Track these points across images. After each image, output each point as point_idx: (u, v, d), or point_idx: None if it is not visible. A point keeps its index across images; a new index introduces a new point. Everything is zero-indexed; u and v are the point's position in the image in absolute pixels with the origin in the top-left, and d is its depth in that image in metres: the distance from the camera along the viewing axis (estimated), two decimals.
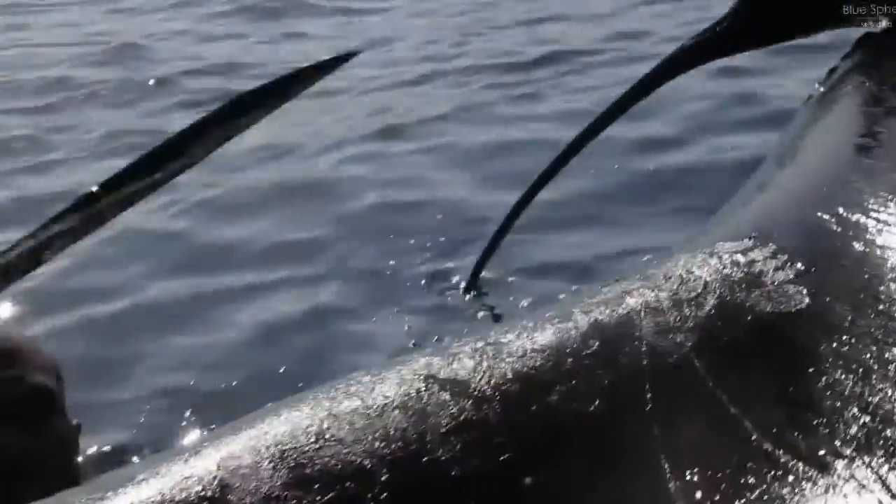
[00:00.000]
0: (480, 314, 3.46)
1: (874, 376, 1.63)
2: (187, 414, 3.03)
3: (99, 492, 1.35)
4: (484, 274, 3.51)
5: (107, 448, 2.81)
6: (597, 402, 1.55)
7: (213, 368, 3.37)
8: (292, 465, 1.40)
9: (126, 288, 4.02)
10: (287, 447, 1.42)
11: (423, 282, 3.71)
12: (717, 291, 1.74)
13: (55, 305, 3.93)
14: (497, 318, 3.41)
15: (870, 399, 1.60)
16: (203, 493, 1.35)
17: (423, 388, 1.52)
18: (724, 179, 3.95)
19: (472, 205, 4.33)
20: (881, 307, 1.73)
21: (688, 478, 1.51)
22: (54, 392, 2.03)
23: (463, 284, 3.55)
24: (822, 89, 2.66)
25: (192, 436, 2.86)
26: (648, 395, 1.58)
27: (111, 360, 3.49)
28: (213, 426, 2.89)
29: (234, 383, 3.21)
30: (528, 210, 3.31)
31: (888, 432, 1.56)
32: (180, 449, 1.45)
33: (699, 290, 1.74)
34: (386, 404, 1.50)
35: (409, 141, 5.39)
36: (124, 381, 3.34)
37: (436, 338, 3.24)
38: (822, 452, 1.54)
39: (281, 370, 3.28)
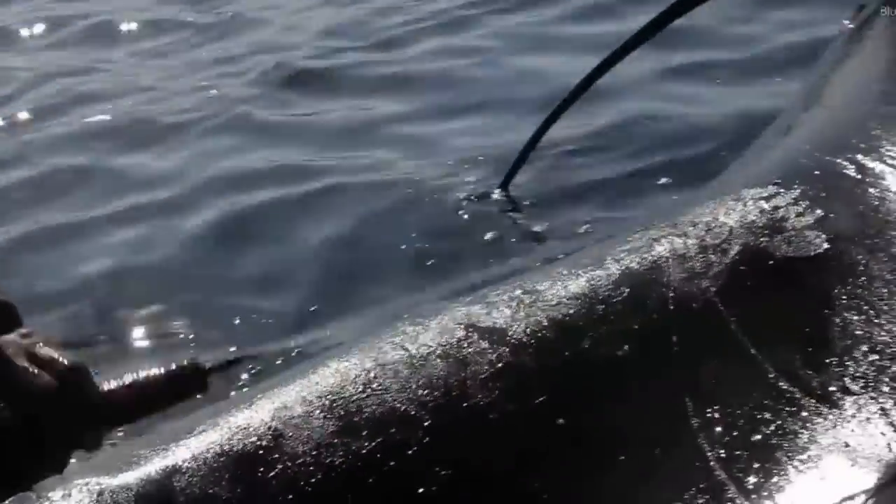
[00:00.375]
0: (513, 217, 3.42)
1: (884, 318, 1.67)
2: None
3: (160, 443, 1.41)
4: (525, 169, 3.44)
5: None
6: (626, 347, 1.60)
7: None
8: (341, 413, 1.45)
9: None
10: (336, 397, 1.47)
11: (465, 179, 3.66)
12: (742, 237, 1.77)
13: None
14: (531, 221, 3.37)
15: (879, 339, 1.63)
16: (260, 443, 1.41)
17: (464, 337, 1.57)
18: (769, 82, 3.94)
19: (526, 94, 4.27)
20: (893, 250, 1.76)
21: (709, 415, 1.55)
22: (13, 304, 2.04)
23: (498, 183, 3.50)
24: (850, 26, 2.64)
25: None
26: (674, 339, 1.62)
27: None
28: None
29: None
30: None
31: (894, 369, 1.60)
32: (236, 399, 1.51)
33: (724, 237, 1.77)
34: (429, 353, 1.55)
35: (464, 28, 5.36)
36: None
37: (463, 237, 3.22)
38: (832, 389, 1.58)
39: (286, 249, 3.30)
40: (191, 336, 2.76)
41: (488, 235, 3.17)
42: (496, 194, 3.46)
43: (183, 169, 4.18)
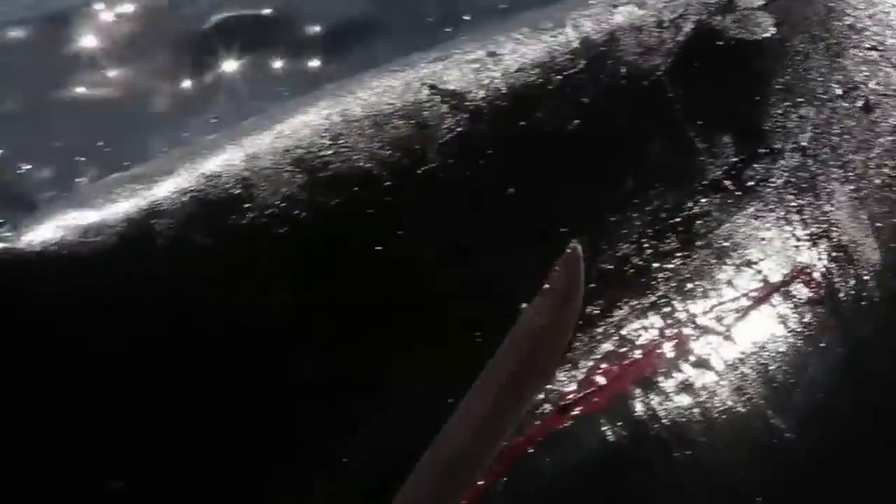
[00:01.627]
0: None
1: (814, 108, 1.65)
2: None
3: (139, 186, 1.38)
4: None
5: None
6: (576, 122, 1.57)
7: None
8: (309, 168, 1.42)
9: None
10: (305, 151, 1.43)
11: None
12: (696, 14, 1.70)
13: None
14: None
15: (806, 131, 1.62)
16: (232, 191, 1.38)
17: (425, 99, 1.53)
18: None
19: None
20: (832, 41, 1.71)
21: (644, 195, 1.55)
22: None
23: None
24: None
25: None
26: (620, 117, 1.60)
27: None
28: None
29: None
30: None
31: (815, 167, 1.60)
32: (208, 144, 1.46)
33: (680, 12, 1.70)
34: (392, 112, 1.50)
35: None
36: None
37: None
38: (760, 181, 1.58)
39: None
40: None
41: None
42: None
43: None
